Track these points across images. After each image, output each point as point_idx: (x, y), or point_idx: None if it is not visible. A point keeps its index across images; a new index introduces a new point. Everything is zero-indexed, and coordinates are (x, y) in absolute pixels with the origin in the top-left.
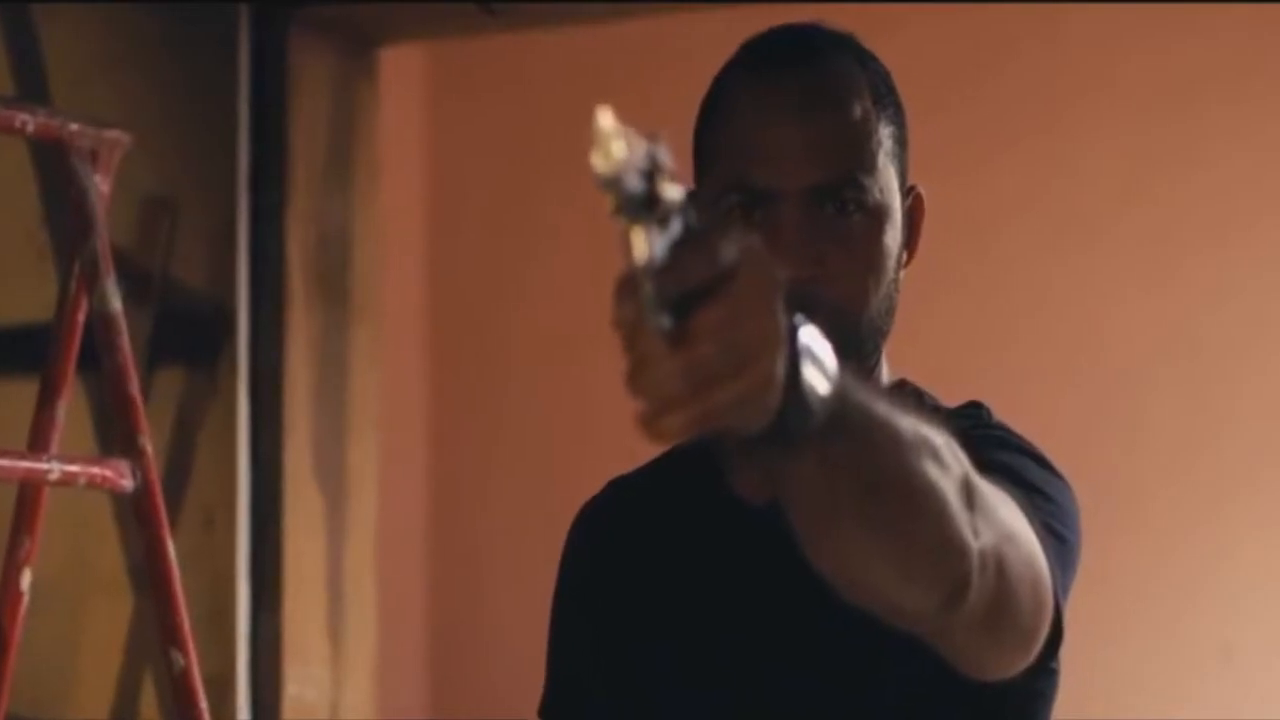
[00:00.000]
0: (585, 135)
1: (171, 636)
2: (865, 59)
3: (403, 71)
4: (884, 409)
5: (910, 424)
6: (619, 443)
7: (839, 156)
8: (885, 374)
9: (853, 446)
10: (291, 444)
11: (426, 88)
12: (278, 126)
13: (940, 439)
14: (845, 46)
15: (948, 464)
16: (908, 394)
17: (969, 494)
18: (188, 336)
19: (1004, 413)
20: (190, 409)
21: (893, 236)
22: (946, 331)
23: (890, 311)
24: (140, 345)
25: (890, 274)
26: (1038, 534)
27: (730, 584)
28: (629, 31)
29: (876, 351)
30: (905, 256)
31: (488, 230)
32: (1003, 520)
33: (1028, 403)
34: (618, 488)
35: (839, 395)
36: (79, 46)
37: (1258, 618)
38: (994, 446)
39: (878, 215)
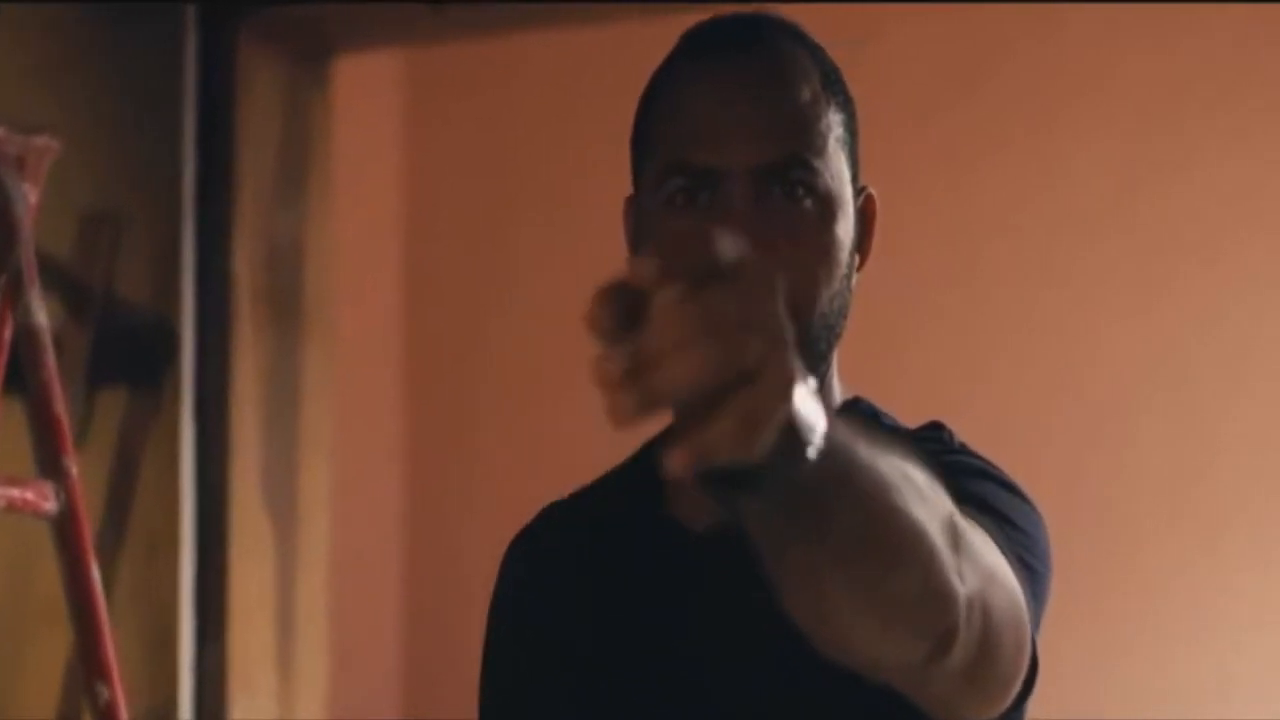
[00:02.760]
0: (564, 147)
1: (97, 668)
2: (814, 48)
3: (377, 82)
4: (866, 451)
5: (892, 463)
6: (601, 460)
7: (786, 136)
8: (837, 387)
9: (838, 494)
10: (238, 468)
11: (401, 99)
12: (225, 137)
13: (923, 477)
14: (793, 33)
15: (933, 504)
16: (862, 412)
17: (954, 536)
18: (130, 356)
19: (990, 440)
20: (133, 432)
21: (845, 228)
22: (931, 353)
23: (842, 312)
24: (81, 365)
25: (843, 268)
26: (1012, 568)
27: (673, 613)
28: (609, 40)
29: (828, 354)
30: (858, 259)
31: (464, 245)
32: (986, 562)
33: (1014, 429)
34: (552, 515)
35: (825, 439)
36: (17, 53)
37: (1256, 651)
38: (962, 474)
39: (829, 203)
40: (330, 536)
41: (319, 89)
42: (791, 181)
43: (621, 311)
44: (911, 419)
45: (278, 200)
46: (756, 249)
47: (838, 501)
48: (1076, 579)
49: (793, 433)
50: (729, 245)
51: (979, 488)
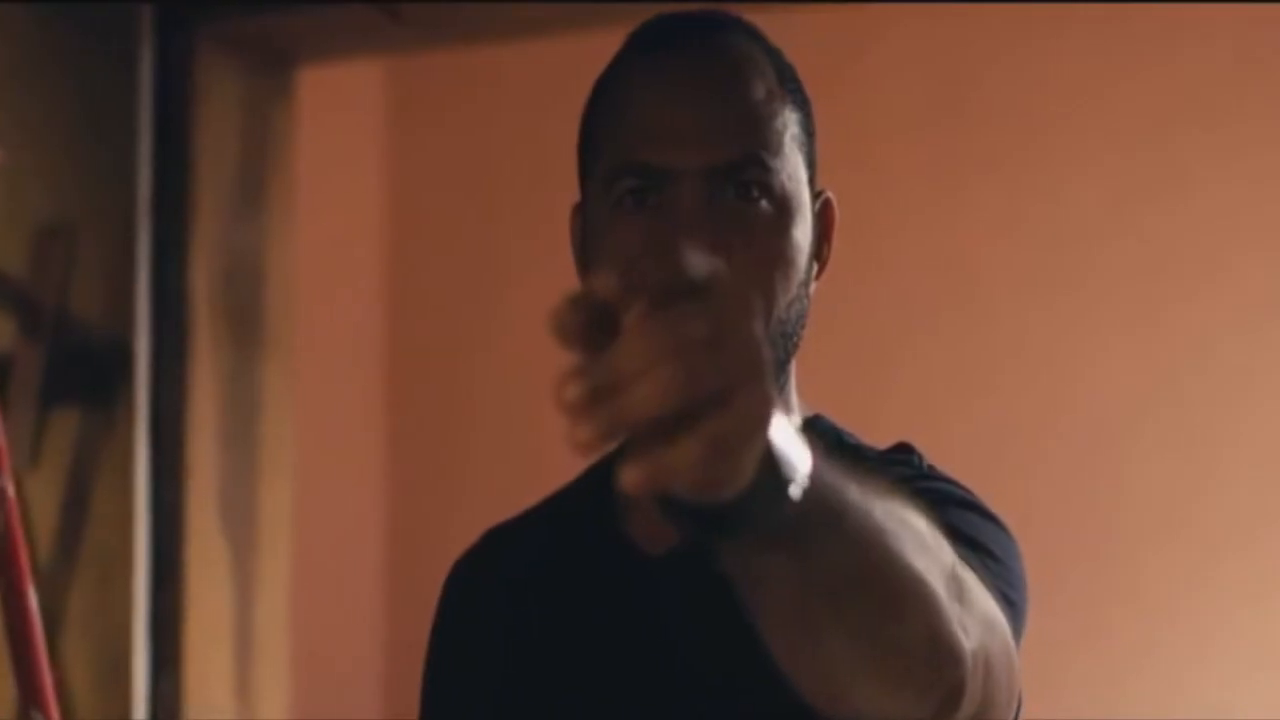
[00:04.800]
0: (549, 157)
1: (33, 696)
2: (769, 47)
3: (356, 93)
4: (858, 494)
5: (889, 508)
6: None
7: (740, 134)
8: (796, 402)
9: (827, 539)
10: (195, 490)
11: (382, 110)
12: (182, 149)
13: (923, 523)
14: (746, 30)
15: (935, 553)
16: (823, 430)
17: (958, 586)
18: (83, 375)
19: (983, 462)
20: (86, 452)
21: (802, 231)
22: (922, 374)
23: (800, 320)
24: (32, 384)
25: (801, 273)
26: (997, 603)
27: (627, 640)
28: (597, 49)
29: (786, 364)
30: (817, 267)
31: (447, 258)
32: (984, 610)
33: (1008, 451)
34: (496, 540)
35: (811, 478)
36: None
37: (1256, 675)
38: (937, 503)
39: (785, 204)
40: (291, 559)
41: (281, 100)
42: (745, 181)
43: (594, 328)
44: (903, 438)
45: (237, 213)
46: (709, 251)
47: (827, 546)
48: (1072, 603)
49: (773, 470)
50: (699, 261)
51: (957, 518)
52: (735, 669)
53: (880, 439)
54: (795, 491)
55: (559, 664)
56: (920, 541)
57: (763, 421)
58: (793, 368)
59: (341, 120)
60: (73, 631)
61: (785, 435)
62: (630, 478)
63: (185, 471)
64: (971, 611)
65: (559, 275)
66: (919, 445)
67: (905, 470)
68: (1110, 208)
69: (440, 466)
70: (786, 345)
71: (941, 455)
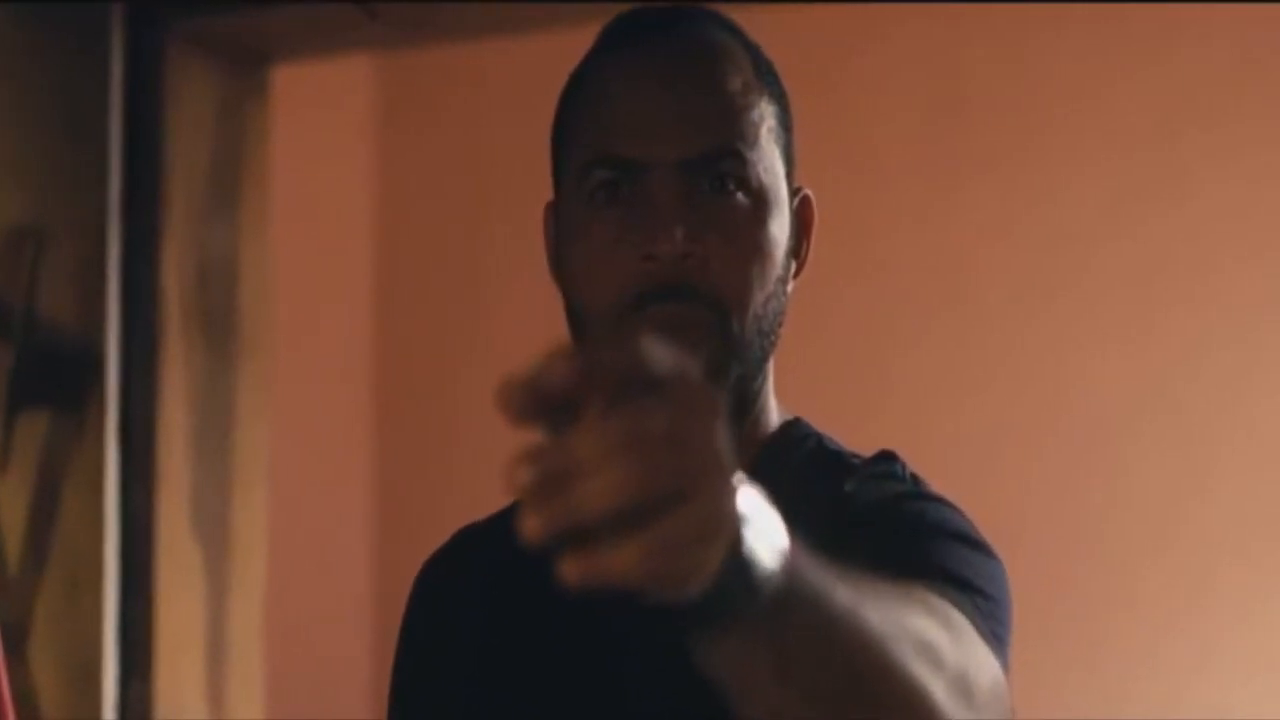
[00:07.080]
0: (540, 159)
1: None
2: (745, 40)
3: (348, 94)
4: (846, 595)
5: (885, 611)
6: None
7: (716, 125)
8: (773, 408)
9: (806, 641)
10: (165, 496)
11: (372, 109)
12: (153, 148)
13: (924, 619)
14: (723, 24)
15: (939, 653)
16: (802, 435)
17: (964, 686)
18: (52, 378)
19: (978, 468)
20: (55, 458)
21: (779, 225)
22: (917, 378)
23: (777, 318)
24: (0, 387)
25: (778, 269)
26: (988, 645)
27: (592, 642)
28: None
29: (761, 364)
30: (795, 266)
31: (437, 260)
32: (991, 693)
33: (1003, 456)
34: (466, 539)
35: (788, 573)
36: None
37: (1259, 688)
38: (924, 535)
39: (761, 198)
40: (268, 566)
41: (255, 99)
42: (721, 174)
43: (546, 404)
44: (898, 443)
45: (210, 215)
46: (680, 242)
47: (808, 653)
48: (1070, 607)
49: (742, 569)
50: (662, 354)
51: (943, 552)
52: (699, 676)
53: (875, 441)
54: (767, 593)
55: (524, 663)
56: (921, 645)
57: (721, 523)
58: (770, 368)
59: (329, 119)
60: (41, 638)
61: (761, 524)
62: (570, 572)
63: (156, 476)
64: (980, 709)
65: (549, 277)
66: (913, 448)
67: (892, 486)
68: (1107, 209)
69: (427, 472)
70: (763, 343)
71: (936, 458)
